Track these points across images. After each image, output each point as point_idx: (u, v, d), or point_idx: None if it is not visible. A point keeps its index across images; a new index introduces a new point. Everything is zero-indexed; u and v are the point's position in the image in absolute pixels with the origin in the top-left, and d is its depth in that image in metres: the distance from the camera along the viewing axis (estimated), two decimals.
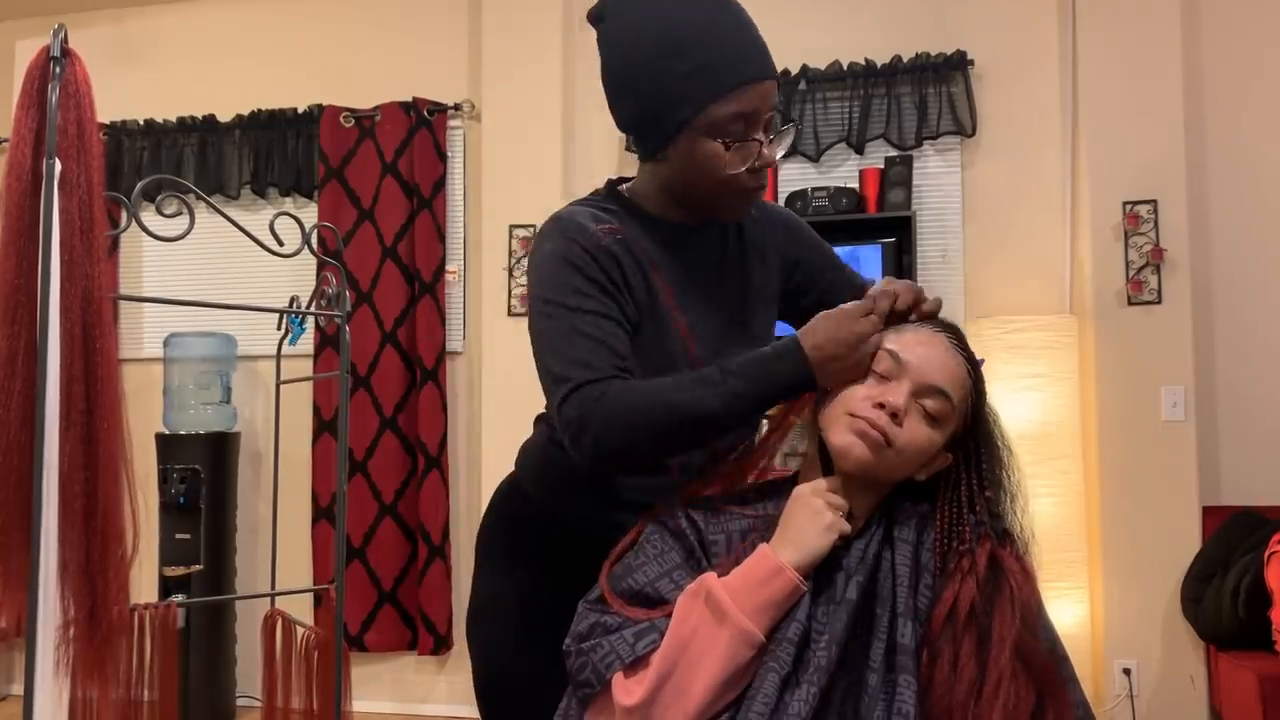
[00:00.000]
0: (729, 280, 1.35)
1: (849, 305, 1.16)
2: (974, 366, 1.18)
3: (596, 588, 1.15)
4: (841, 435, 1.11)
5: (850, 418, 1.11)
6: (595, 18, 1.28)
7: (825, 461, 1.15)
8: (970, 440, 1.17)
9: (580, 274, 1.20)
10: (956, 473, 1.16)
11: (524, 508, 1.43)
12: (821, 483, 1.12)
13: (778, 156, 1.25)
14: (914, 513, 1.14)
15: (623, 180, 1.38)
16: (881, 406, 1.10)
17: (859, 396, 1.12)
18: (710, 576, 1.08)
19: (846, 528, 1.08)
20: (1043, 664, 1.05)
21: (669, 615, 1.08)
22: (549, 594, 1.31)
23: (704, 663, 1.02)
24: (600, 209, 1.30)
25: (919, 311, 1.19)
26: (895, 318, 1.18)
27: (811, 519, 1.07)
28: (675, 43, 1.17)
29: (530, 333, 1.25)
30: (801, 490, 1.11)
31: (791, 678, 1.03)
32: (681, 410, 1.14)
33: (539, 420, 1.47)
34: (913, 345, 1.14)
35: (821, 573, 1.09)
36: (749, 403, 1.15)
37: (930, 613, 1.07)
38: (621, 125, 1.29)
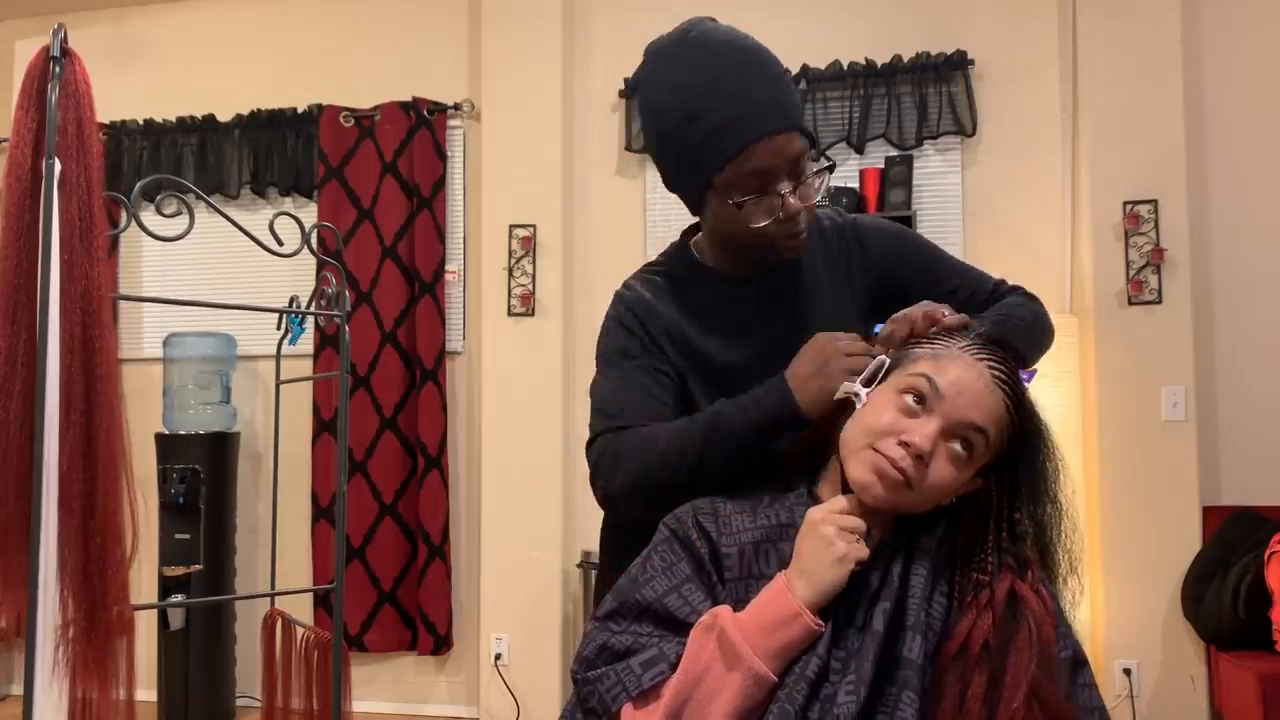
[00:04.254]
0: (780, 322, 1.35)
1: (840, 333, 1.16)
2: (1017, 400, 1.08)
3: (605, 602, 1.11)
4: (860, 470, 1.04)
5: (872, 453, 1.04)
6: (630, 90, 1.38)
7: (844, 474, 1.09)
8: (1005, 464, 1.09)
9: (620, 333, 1.32)
10: (986, 494, 1.08)
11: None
12: (837, 502, 1.05)
13: (814, 198, 1.27)
14: (936, 520, 1.08)
15: (697, 229, 1.42)
16: (906, 446, 1.02)
17: (884, 427, 1.04)
18: (724, 612, 1.03)
19: (863, 553, 1.02)
20: (1058, 709, 0.99)
21: (678, 640, 1.05)
22: None
23: (716, 702, 0.99)
24: (655, 270, 1.39)
25: (941, 325, 1.13)
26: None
27: (824, 550, 1.01)
28: (687, 111, 1.21)
29: None
30: (813, 516, 1.04)
31: (806, 717, 0.99)
32: (673, 449, 1.19)
33: None
34: (951, 375, 1.05)
35: (844, 595, 1.04)
36: (735, 439, 1.17)
37: (940, 645, 1.02)
38: (666, 186, 1.34)
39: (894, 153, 3.59)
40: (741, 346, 1.33)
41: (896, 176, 3.52)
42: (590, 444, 1.28)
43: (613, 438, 1.24)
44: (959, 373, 1.05)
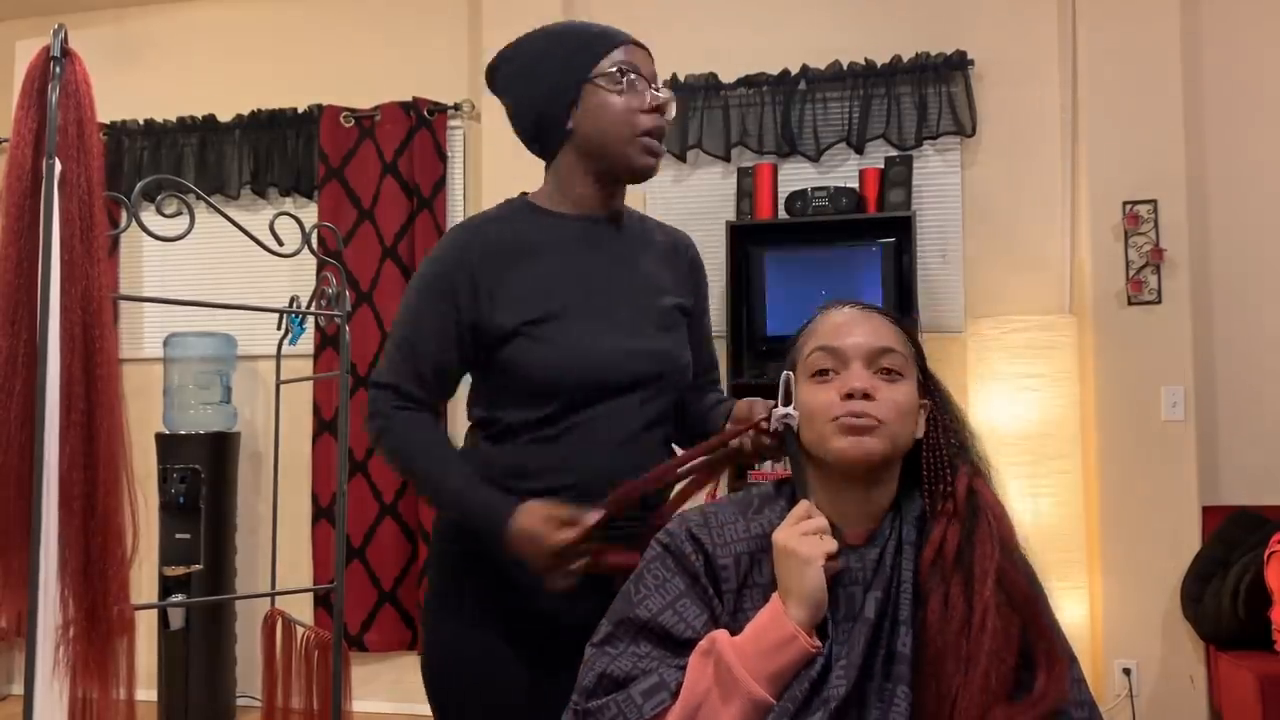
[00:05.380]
0: (620, 267, 1.47)
1: (556, 531, 1.28)
2: (893, 314, 1.17)
3: (600, 627, 1.12)
4: (838, 442, 1.08)
5: (833, 423, 1.08)
6: (490, 74, 1.51)
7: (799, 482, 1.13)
8: (928, 382, 1.17)
9: (440, 265, 1.44)
10: (932, 415, 1.16)
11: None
12: (795, 513, 1.08)
13: (671, 105, 1.44)
14: (916, 510, 1.12)
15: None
16: (851, 396, 1.08)
17: (823, 401, 1.10)
18: (722, 636, 1.04)
19: (831, 547, 1.05)
20: (1024, 593, 1.05)
21: (678, 663, 1.05)
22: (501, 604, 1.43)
23: None
24: (501, 212, 1.51)
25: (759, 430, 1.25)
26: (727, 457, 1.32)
27: (800, 569, 1.03)
28: (551, 43, 1.44)
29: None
30: (776, 539, 1.06)
31: (809, 691, 1.02)
32: (420, 475, 1.40)
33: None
34: (834, 330, 1.13)
35: (837, 584, 1.07)
36: (455, 511, 1.39)
37: (918, 553, 1.08)
38: (529, 136, 1.49)
39: (894, 153, 3.59)
40: (564, 275, 1.43)
41: (896, 177, 3.52)
42: (377, 386, 1.42)
43: (389, 412, 1.40)
44: (836, 321, 1.15)
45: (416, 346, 1.40)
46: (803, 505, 1.09)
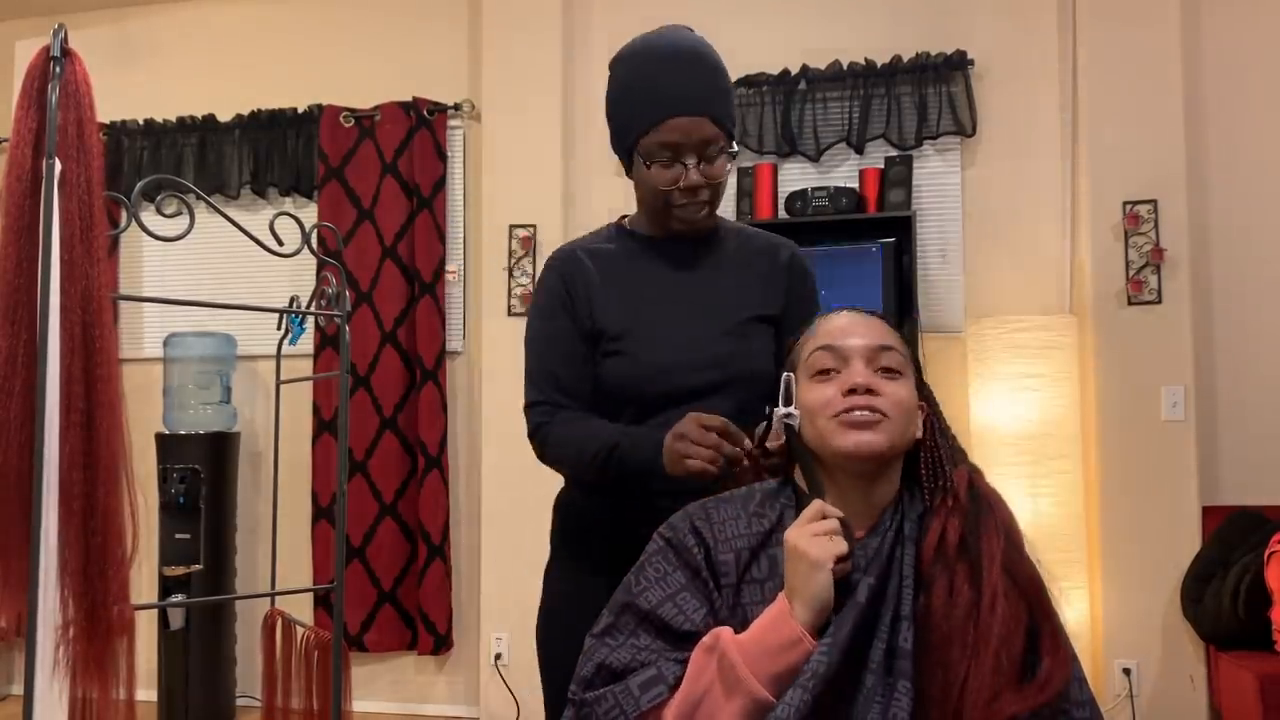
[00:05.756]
0: (699, 284, 1.56)
1: (707, 416, 1.33)
2: (890, 321, 1.19)
3: (601, 617, 1.13)
4: (841, 438, 1.09)
5: (836, 420, 1.10)
6: (610, 67, 1.59)
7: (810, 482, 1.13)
8: (922, 387, 1.19)
9: (549, 291, 1.55)
10: (928, 418, 1.18)
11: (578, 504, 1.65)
12: (808, 512, 1.08)
13: (720, 176, 1.50)
14: (919, 508, 1.14)
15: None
16: (853, 391, 1.10)
17: (826, 397, 1.12)
18: (726, 634, 1.05)
19: (841, 548, 1.04)
20: (1030, 579, 1.07)
21: (676, 657, 1.06)
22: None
23: None
24: (591, 236, 1.64)
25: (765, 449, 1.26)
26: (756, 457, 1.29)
27: (809, 572, 1.03)
28: (631, 87, 1.52)
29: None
30: (788, 538, 1.06)
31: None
32: (586, 454, 1.46)
33: None
34: (834, 331, 1.16)
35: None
36: (627, 465, 1.42)
37: (920, 544, 1.09)
38: (613, 148, 1.61)
39: (894, 153, 3.59)
40: (643, 294, 1.54)
41: (896, 177, 3.52)
42: (528, 408, 1.54)
43: (545, 419, 1.51)
44: (836, 323, 1.18)
45: (546, 360, 1.53)
46: (816, 504, 1.08)
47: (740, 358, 1.51)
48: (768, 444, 1.24)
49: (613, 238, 1.61)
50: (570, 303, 1.53)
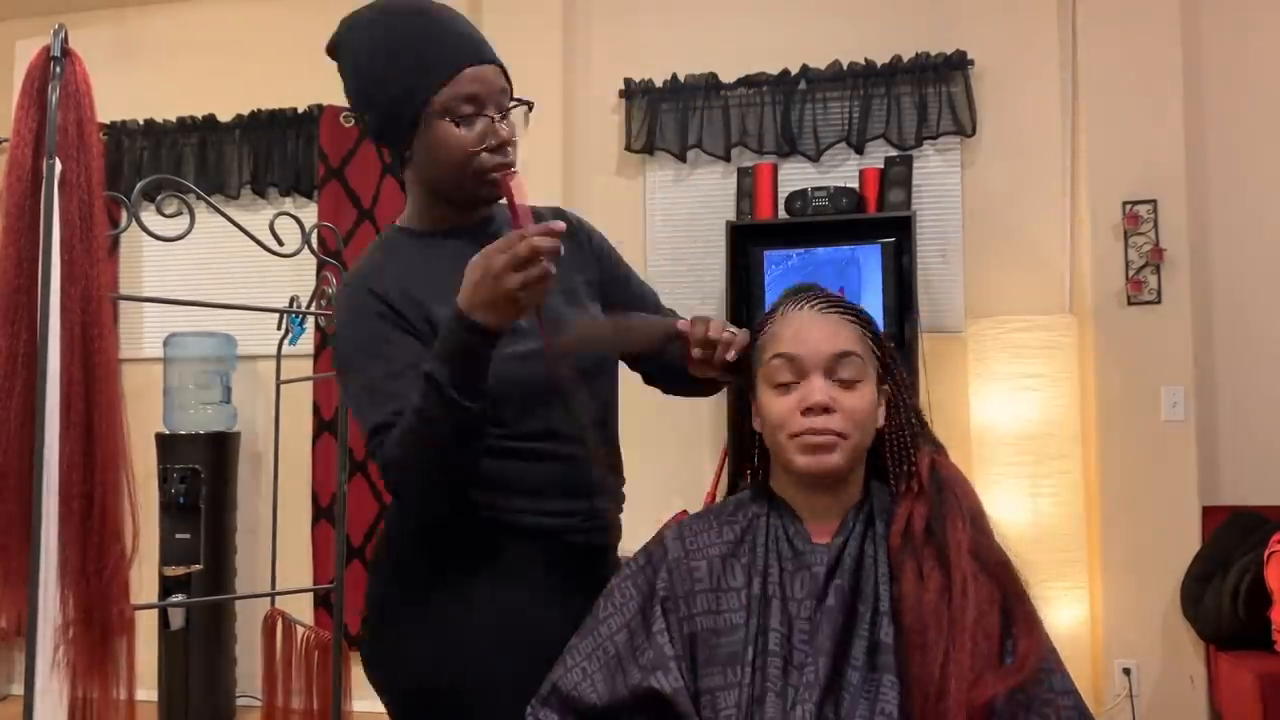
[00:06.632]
0: None
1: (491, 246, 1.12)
2: (848, 308, 1.16)
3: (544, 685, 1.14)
4: (799, 458, 1.10)
5: (794, 439, 1.10)
6: (331, 51, 1.37)
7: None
8: (886, 365, 1.17)
9: (364, 321, 1.26)
10: (891, 399, 1.17)
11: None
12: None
13: (512, 133, 1.31)
14: (887, 504, 1.14)
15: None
16: (810, 410, 1.09)
17: (784, 413, 1.11)
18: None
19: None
20: (998, 560, 1.08)
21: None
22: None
23: None
24: (371, 257, 1.35)
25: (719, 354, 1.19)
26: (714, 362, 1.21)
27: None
28: (396, 47, 1.29)
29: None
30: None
31: (782, 691, 1.03)
32: (421, 439, 1.15)
33: None
34: (791, 336, 1.13)
35: (803, 570, 1.10)
36: (448, 383, 1.12)
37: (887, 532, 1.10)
38: (374, 137, 1.36)
39: (894, 153, 3.59)
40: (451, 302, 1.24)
41: (896, 177, 3.52)
42: (369, 442, 1.21)
43: (378, 443, 1.19)
44: (794, 326, 1.14)
45: (380, 383, 1.23)
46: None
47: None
48: (728, 357, 1.19)
49: (398, 246, 1.35)
50: (396, 315, 1.26)
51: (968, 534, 1.07)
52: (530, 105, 1.39)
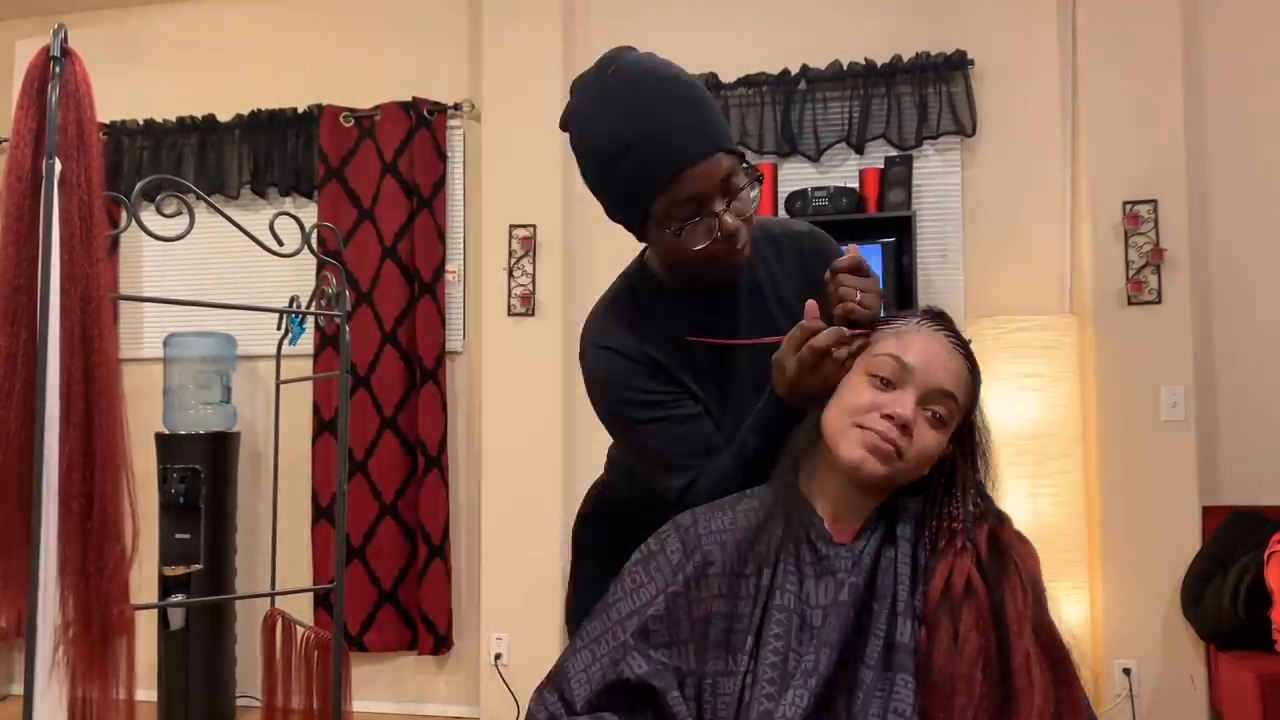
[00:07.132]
0: (755, 322, 1.40)
1: (791, 334, 1.18)
2: (972, 360, 1.15)
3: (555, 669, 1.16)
4: (852, 449, 1.08)
5: (859, 430, 1.08)
6: (562, 127, 1.37)
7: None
8: (965, 428, 1.15)
9: (630, 388, 1.34)
10: (951, 458, 1.14)
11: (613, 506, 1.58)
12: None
13: (749, 210, 1.29)
14: (912, 509, 1.13)
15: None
16: (890, 418, 1.07)
17: (864, 405, 1.09)
18: None
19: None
20: (1059, 644, 1.05)
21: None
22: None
23: None
24: (626, 305, 1.42)
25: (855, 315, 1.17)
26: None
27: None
28: (615, 148, 1.25)
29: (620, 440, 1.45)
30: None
31: (784, 680, 1.03)
32: (735, 484, 1.24)
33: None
34: (915, 348, 1.11)
35: (820, 565, 1.09)
36: (765, 454, 1.23)
37: (915, 547, 1.09)
38: (609, 218, 1.37)
39: (894, 153, 3.59)
40: (736, 348, 1.36)
41: (896, 177, 3.52)
42: (670, 498, 1.31)
43: (687, 494, 1.30)
44: (923, 344, 1.11)
45: (669, 448, 1.33)
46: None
47: None
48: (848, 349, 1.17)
49: (642, 295, 1.40)
50: (655, 375, 1.34)
51: (1030, 609, 1.04)
52: (761, 178, 1.31)
